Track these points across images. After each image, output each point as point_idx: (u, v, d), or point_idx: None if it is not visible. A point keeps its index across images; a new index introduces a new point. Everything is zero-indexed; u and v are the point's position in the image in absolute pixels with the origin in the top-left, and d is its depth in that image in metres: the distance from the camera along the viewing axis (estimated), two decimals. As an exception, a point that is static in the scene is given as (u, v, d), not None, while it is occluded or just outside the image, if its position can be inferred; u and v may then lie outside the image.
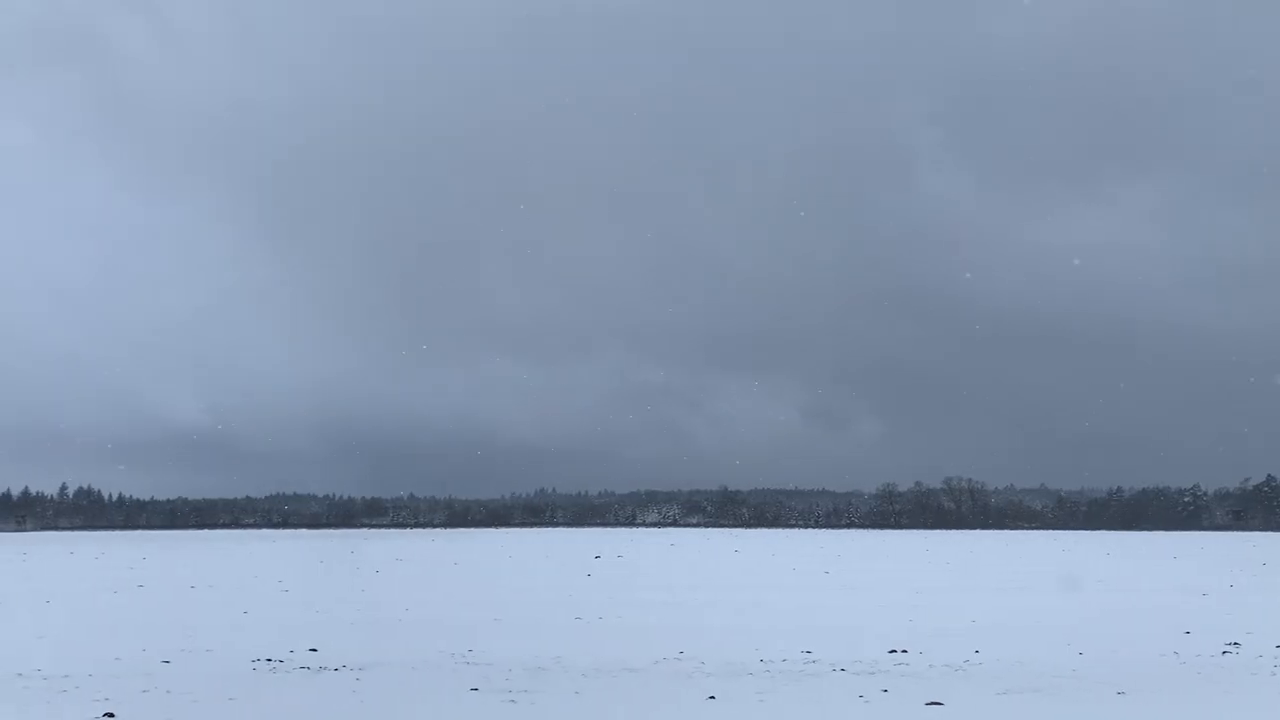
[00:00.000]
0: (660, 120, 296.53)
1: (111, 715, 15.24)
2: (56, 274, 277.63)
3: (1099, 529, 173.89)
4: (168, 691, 17.24)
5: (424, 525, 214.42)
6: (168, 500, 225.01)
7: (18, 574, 52.52)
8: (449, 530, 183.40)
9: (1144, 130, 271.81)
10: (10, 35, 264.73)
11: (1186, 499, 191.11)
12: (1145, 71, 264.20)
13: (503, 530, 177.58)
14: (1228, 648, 22.56)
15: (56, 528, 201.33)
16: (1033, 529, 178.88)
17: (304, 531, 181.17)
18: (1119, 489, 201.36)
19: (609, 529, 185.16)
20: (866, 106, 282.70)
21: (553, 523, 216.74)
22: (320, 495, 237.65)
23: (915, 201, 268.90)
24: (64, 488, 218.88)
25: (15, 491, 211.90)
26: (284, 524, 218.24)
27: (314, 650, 21.98)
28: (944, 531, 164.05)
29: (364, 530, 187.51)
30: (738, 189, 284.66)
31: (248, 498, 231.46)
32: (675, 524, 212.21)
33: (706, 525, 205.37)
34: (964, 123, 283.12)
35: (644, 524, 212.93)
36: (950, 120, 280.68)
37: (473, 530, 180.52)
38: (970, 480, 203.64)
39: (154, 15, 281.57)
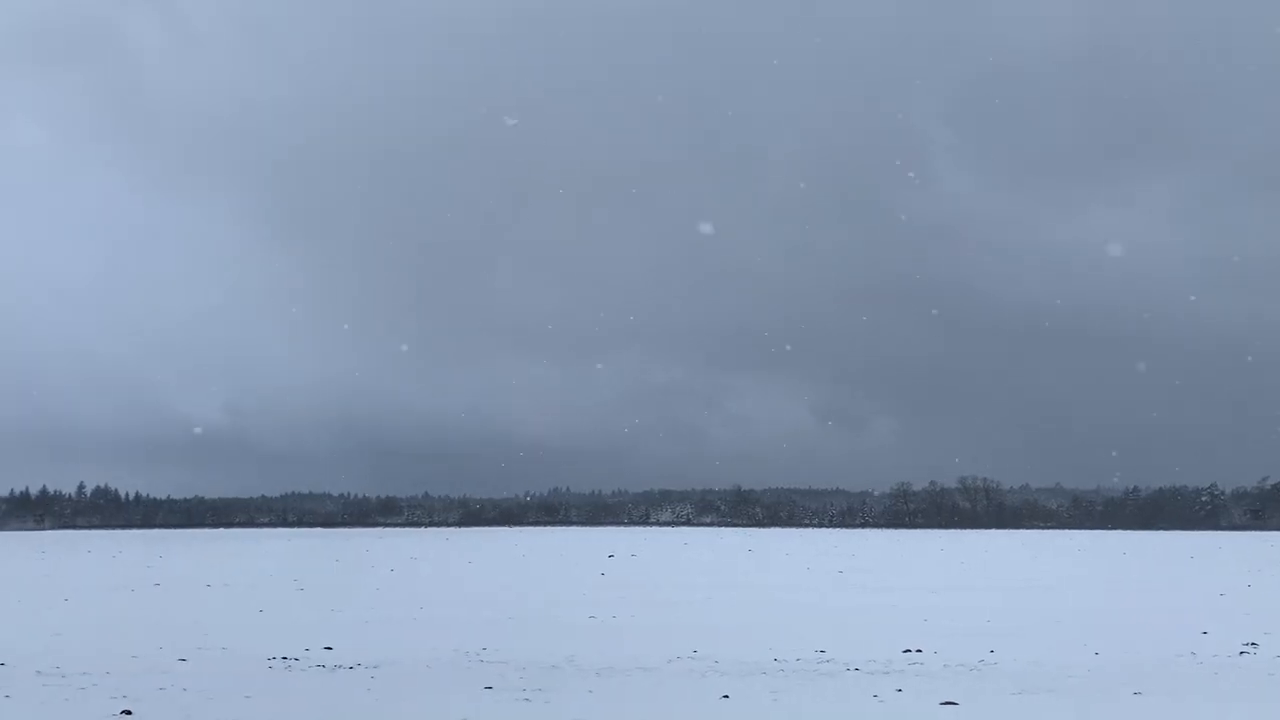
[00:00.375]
0: (671, 117, 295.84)
1: (129, 713, 15.33)
2: (67, 273, 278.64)
3: (1115, 528, 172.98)
4: (184, 689, 17.34)
5: (438, 524, 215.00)
6: (184, 499, 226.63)
7: (36, 572, 52.92)
8: (463, 529, 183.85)
9: (1161, 127, 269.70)
10: (16, 34, 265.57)
11: (1204, 498, 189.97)
12: (1162, 67, 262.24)
13: (516, 529, 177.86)
14: (1245, 648, 22.42)
15: (74, 526, 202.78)
16: (1048, 528, 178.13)
17: (319, 530, 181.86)
18: (1135, 488, 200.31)
19: (622, 528, 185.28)
20: (880, 103, 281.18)
21: (566, 522, 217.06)
22: (335, 494, 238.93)
23: (929, 198, 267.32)
24: (81, 487, 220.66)
25: (34, 490, 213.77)
26: (299, 523, 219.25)
27: (329, 649, 22.07)
28: (959, 531, 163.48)
29: (378, 529, 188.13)
30: (751, 186, 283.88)
31: (263, 497, 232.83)
32: (689, 523, 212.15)
33: (720, 524, 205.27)
34: (979, 119, 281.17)
35: (657, 523, 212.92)
36: (965, 117, 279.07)
37: (487, 529, 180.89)
38: (985, 479, 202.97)
39: (161, 14, 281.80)
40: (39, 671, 19.01)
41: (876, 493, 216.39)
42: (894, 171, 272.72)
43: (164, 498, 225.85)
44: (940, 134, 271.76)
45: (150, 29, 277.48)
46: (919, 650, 21.78)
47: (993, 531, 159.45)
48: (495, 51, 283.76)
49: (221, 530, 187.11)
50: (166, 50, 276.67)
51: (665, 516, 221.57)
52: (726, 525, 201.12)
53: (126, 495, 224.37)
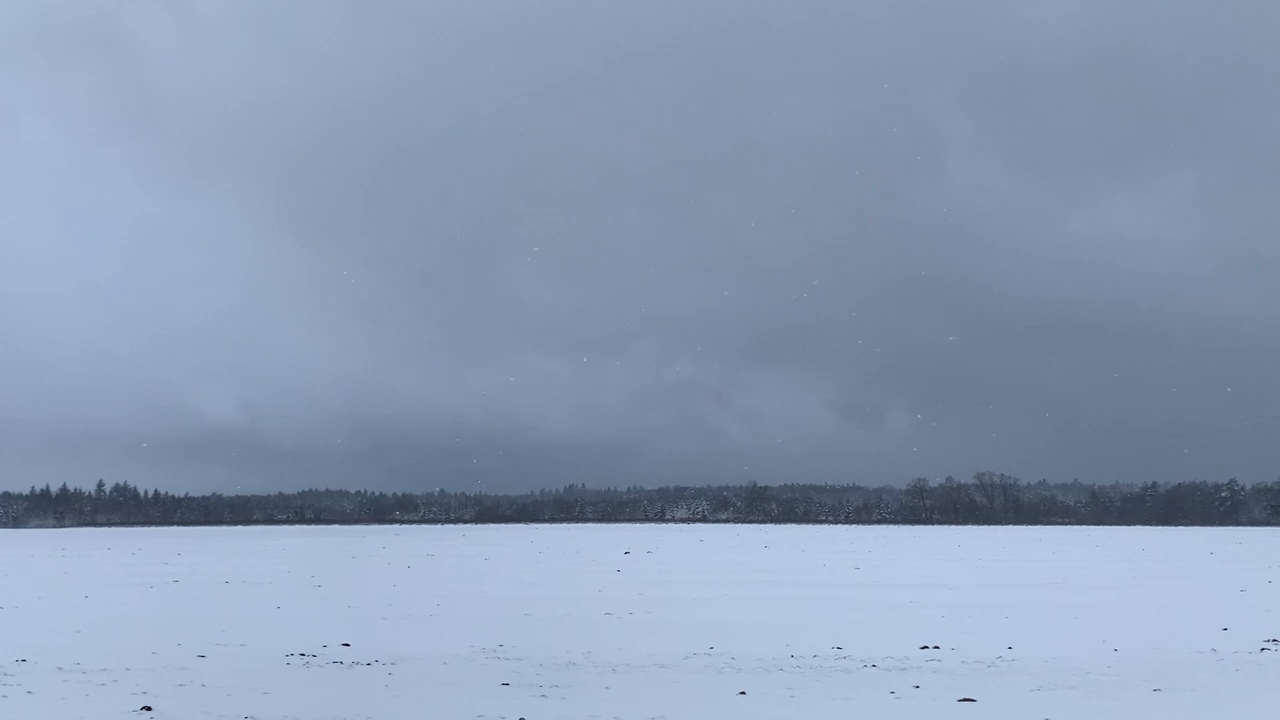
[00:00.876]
0: (684, 111, 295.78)
1: (149, 708, 15.44)
2: (84, 271, 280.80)
3: (1134, 524, 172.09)
4: (203, 685, 17.45)
5: (455, 521, 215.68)
6: (202, 497, 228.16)
7: (56, 569, 53.33)
8: (479, 526, 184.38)
9: (1182, 116, 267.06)
10: (25, 32, 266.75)
11: (1224, 494, 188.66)
12: (1183, 55, 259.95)
13: (532, 526, 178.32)
14: (1266, 645, 22.24)
15: (94, 524, 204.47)
16: (1066, 525, 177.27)
17: (336, 527, 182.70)
18: (1154, 484, 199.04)
19: (638, 525, 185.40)
20: (896, 94, 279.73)
21: (582, 518, 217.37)
22: (352, 491, 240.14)
23: (947, 191, 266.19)
24: (101, 484, 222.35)
25: (54, 488, 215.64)
26: (316, 520, 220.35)
27: (346, 645, 22.15)
28: (976, 527, 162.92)
29: (395, 526, 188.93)
30: (766, 179, 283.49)
31: (280, 494, 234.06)
32: (704, 520, 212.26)
33: (735, 521, 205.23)
34: (996, 110, 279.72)
35: (673, 520, 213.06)
36: (981, 107, 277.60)
37: (503, 526, 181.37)
38: (1002, 475, 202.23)
39: (168, 9, 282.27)
40: (60, 668, 19.16)
41: (893, 489, 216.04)
42: (912, 163, 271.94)
43: (182, 495, 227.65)
44: (956, 126, 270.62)
45: (158, 25, 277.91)
46: (936, 647, 21.69)
47: (1010, 528, 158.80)
48: (508, 46, 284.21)
49: (239, 527, 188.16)
50: (175, 46, 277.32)
51: (681, 513, 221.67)
52: (742, 522, 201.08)
53: (145, 493, 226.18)
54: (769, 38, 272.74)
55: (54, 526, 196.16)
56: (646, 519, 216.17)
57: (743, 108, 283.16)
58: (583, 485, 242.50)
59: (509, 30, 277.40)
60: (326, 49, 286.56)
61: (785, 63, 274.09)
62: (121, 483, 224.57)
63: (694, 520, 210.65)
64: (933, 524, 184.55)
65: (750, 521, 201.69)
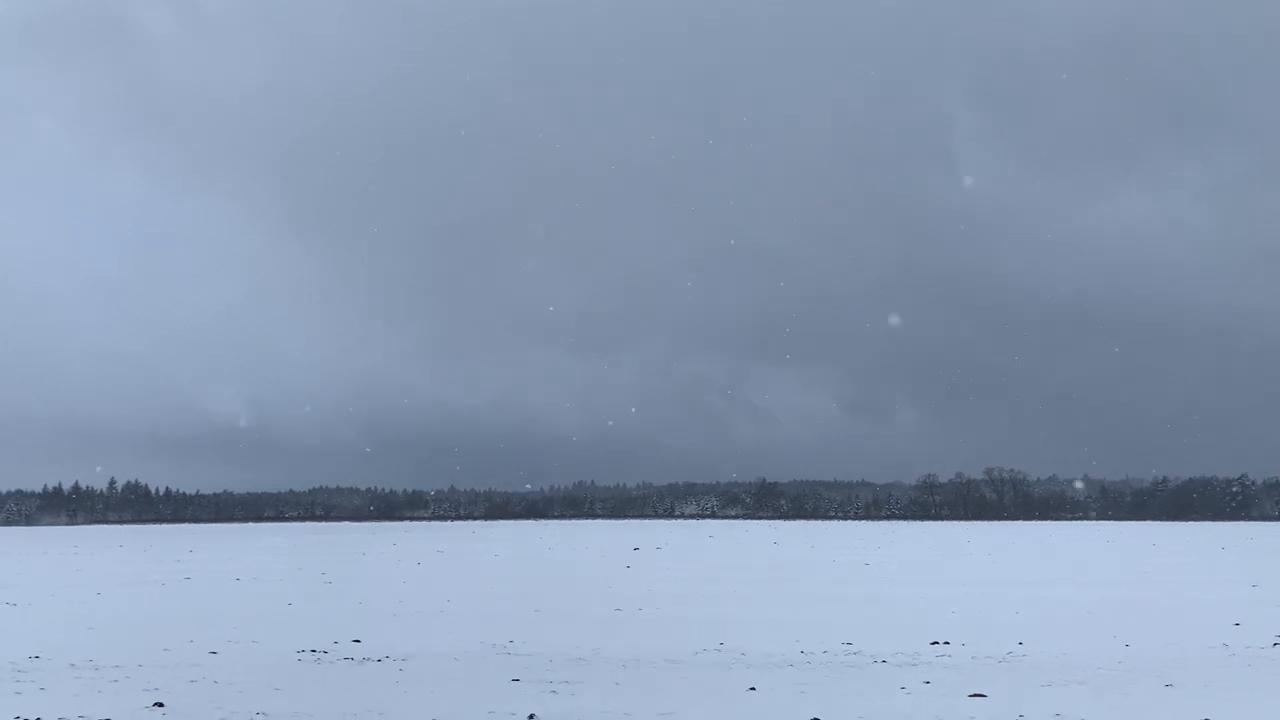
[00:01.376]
0: (693, 105, 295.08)
1: (161, 704, 15.52)
2: (91, 268, 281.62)
3: (1144, 519, 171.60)
4: (215, 682, 17.52)
5: (464, 518, 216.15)
6: (213, 494, 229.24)
7: (69, 567, 53.60)
8: (489, 522, 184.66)
9: (1191, 107, 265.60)
10: (29, 29, 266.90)
11: (1234, 489, 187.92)
12: (1192, 46, 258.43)
13: (542, 522, 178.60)
14: (1278, 640, 22.16)
15: (106, 521, 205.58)
16: (1076, 520, 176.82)
17: (346, 524, 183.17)
18: (1165, 479, 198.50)
19: (647, 521, 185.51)
20: (902, 87, 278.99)
21: (591, 515, 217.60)
22: (362, 488, 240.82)
23: (955, 184, 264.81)
24: (113, 482, 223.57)
25: (66, 486, 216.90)
26: (326, 517, 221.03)
27: (357, 641, 22.22)
28: (985, 522, 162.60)
29: (405, 523, 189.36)
30: (772, 174, 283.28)
31: (291, 491, 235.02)
32: (714, 515, 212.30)
33: (745, 517, 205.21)
34: (1003, 102, 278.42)
35: (682, 516, 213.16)
36: (989, 100, 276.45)
37: (513, 522, 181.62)
38: (1012, 470, 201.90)
39: (178, 3, 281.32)
40: (73, 664, 19.27)
41: (902, 484, 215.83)
42: (919, 156, 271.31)
43: (193, 493, 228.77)
44: (964, 119, 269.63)
45: (162, 20, 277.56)
46: (946, 642, 21.66)
47: (1020, 523, 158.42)
48: (511, 41, 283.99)
49: (250, 524, 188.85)
50: (179, 41, 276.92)
51: (690, 509, 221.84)
52: (751, 518, 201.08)
53: (156, 490, 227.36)
54: (773, 32, 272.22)
55: (66, 524, 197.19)
56: (656, 515, 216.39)
57: (748, 102, 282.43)
58: (592, 482, 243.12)
59: (512, 25, 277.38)
60: (330, 44, 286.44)
61: (790, 57, 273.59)
62: (133, 480, 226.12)
63: (703, 516, 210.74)
64: (942, 519, 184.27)
65: (759, 517, 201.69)
